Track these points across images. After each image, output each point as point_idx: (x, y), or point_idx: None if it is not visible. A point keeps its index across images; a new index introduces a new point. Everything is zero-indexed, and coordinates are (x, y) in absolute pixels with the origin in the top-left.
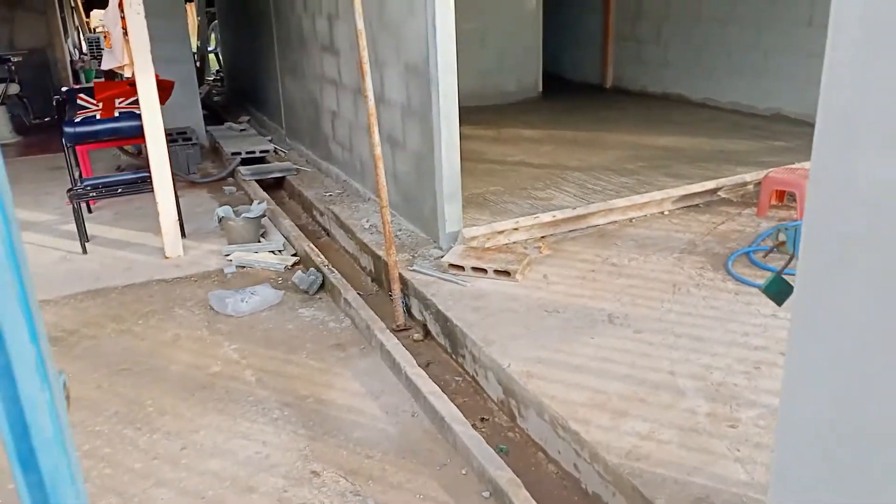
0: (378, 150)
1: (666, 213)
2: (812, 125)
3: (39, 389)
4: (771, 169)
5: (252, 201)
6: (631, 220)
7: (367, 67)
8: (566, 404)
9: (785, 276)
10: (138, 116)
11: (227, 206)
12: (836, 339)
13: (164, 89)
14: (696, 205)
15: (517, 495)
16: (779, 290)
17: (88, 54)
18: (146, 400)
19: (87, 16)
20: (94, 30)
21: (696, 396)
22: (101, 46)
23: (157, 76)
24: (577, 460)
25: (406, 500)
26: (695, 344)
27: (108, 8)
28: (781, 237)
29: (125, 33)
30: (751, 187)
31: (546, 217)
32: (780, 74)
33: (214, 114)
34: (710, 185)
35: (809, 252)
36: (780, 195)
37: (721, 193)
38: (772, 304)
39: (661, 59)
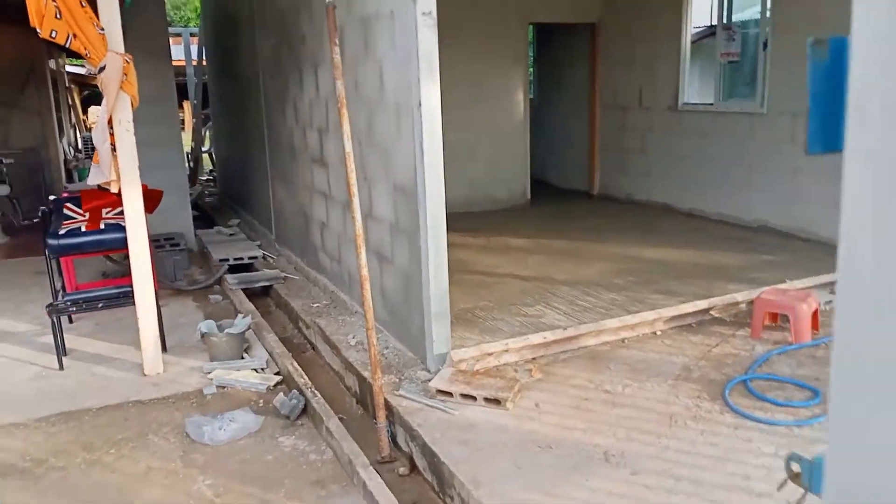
0: (365, 272)
1: (658, 333)
2: (799, 238)
3: None
4: (763, 289)
5: (237, 311)
6: (623, 340)
7: (354, 189)
8: None
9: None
10: (124, 228)
11: (210, 321)
12: None
13: (153, 199)
14: (689, 324)
15: None
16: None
17: (83, 153)
18: None
19: (85, 113)
20: (90, 127)
21: None
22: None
23: (144, 186)
24: None
25: None
26: (694, 488)
27: (96, 125)
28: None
29: (113, 149)
30: (743, 306)
31: (536, 338)
32: (765, 188)
33: (205, 215)
34: (702, 304)
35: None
36: (774, 316)
37: (713, 313)
38: (773, 442)
39: (646, 169)
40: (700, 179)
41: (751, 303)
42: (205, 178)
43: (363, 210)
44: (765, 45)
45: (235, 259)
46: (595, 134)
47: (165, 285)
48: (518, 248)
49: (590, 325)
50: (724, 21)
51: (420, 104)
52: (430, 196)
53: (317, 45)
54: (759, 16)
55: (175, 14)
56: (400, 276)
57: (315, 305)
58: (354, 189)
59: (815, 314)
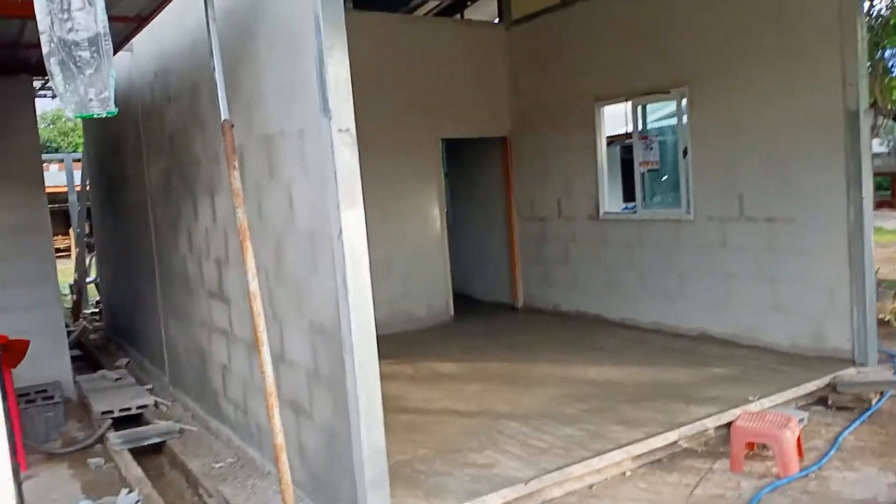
0: (280, 439)
1: (627, 473)
2: (741, 345)
3: None
4: (731, 412)
5: (122, 479)
6: (590, 486)
7: (263, 336)
8: None
9: None
10: None
11: (86, 503)
12: None
13: (16, 351)
14: (659, 459)
15: None
16: None
17: None
18: None
19: None
20: None
21: None
22: None
23: (4, 338)
24: None
25: None
26: None
27: None
28: None
29: None
30: (711, 431)
31: (494, 500)
32: (700, 295)
33: (89, 356)
34: (671, 436)
35: None
36: (751, 443)
37: (682, 443)
38: None
39: (571, 279)
40: (630, 288)
41: (720, 427)
42: (90, 312)
43: (273, 353)
44: (685, 152)
45: (121, 410)
46: (514, 246)
47: (34, 449)
48: (450, 376)
49: (553, 475)
50: (640, 130)
51: (341, 233)
52: (357, 339)
53: (213, 168)
54: (674, 121)
55: (63, 140)
56: (322, 433)
57: (218, 465)
58: (263, 336)
59: (798, 440)
